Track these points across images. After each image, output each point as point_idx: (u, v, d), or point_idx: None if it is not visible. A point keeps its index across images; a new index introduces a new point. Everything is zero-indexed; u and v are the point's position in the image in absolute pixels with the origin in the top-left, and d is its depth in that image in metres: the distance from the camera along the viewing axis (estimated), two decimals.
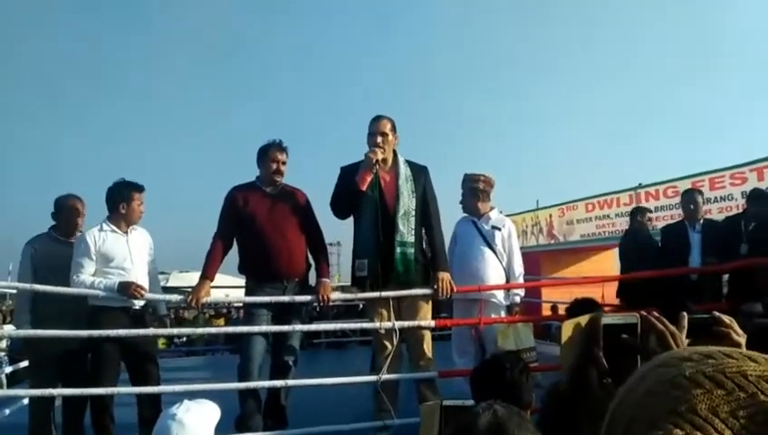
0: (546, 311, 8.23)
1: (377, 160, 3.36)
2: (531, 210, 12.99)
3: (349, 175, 3.50)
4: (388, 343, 3.43)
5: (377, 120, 3.50)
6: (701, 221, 4.86)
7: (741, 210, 5.16)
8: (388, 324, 3.40)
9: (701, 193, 5.16)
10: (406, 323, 3.43)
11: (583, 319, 0.83)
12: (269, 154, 3.54)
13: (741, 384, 0.45)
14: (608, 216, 10.29)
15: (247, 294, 3.59)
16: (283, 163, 3.56)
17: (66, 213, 3.65)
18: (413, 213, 3.46)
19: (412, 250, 3.43)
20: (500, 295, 4.04)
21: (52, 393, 3.33)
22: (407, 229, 3.42)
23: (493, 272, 4.01)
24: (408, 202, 3.45)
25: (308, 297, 3.45)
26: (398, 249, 3.39)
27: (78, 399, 3.35)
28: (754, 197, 4.95)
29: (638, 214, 5.70)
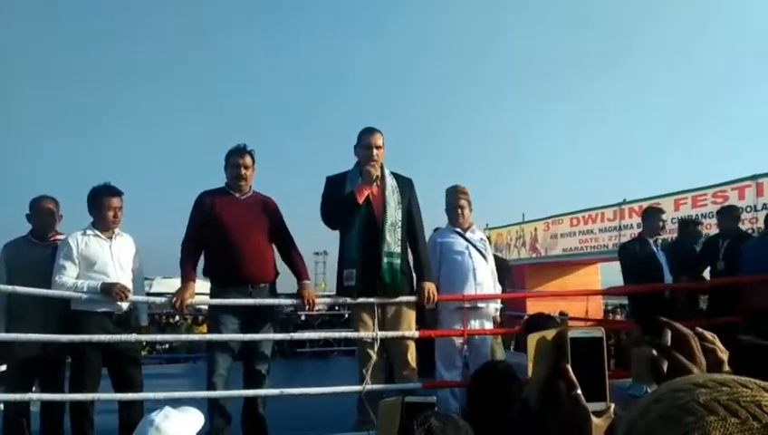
0: None
1: (376, 176, 3.38)
2: (516, 223, 13.09)
3: (336, 185, 3.51)
4: (372, 353, 3.43)
5: (370, 132, 3.50)
6: (659, 240, 4.94)
7: (719, 229, 5.28)
8: (372, 334, 3.40)
9: (663, 211, 5.26)
10: (389, 334, 3.43)
11: (549, 333, 0.85)
12: (231, 159, 3.48)
13: (755, 414, 0.44)
14: (591, 231, 10.42)
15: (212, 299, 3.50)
16: (246, 167, 3.46)
17: (39, 214, 3.55)
18: (399, 224, 3.48)
19: (399, 261, 3.45)
20: (493, 305, 4.14)
21: (32, 398, 3.27)
22: (393, 240, 3.44)
23: (491, 281, 4.08)
24: (394, 213, 3.46)
25: (292, 301, 3.41)
26: (385, 260, 3.40)
27: (57, 404, 3.29)
28: (721, 212, 5.20)
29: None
